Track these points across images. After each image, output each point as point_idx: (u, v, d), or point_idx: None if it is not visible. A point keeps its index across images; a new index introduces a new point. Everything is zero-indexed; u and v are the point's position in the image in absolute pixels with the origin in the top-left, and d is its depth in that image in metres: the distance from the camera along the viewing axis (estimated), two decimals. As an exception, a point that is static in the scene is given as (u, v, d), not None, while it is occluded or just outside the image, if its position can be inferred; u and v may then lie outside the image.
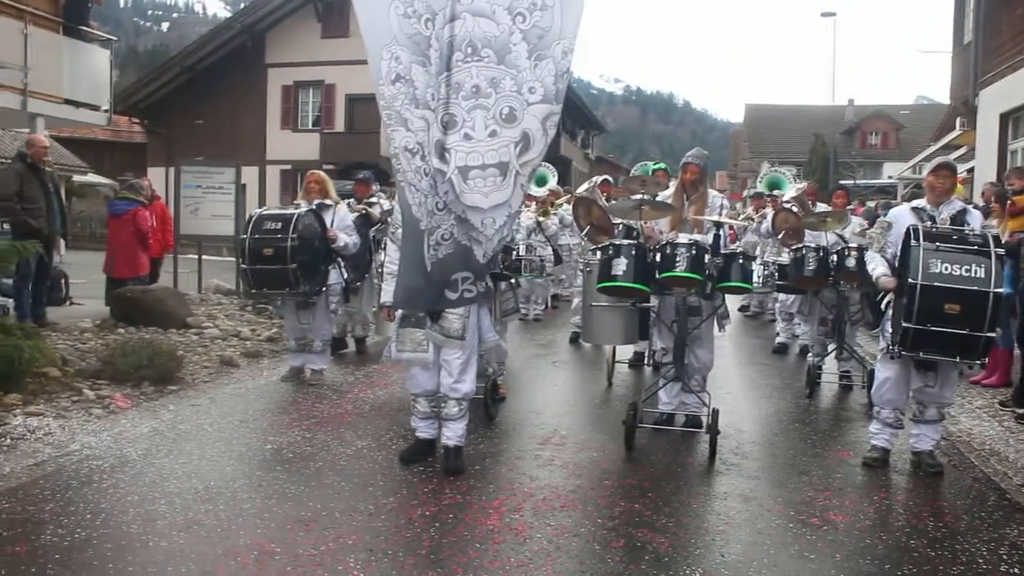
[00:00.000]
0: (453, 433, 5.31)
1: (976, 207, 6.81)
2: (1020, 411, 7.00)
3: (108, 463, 5.26)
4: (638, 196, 6.17)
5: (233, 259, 13.62)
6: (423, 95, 4.84)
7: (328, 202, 7.85)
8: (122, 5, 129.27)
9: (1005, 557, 4.21)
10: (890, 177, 34.61)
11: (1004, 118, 15.87)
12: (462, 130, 4.85)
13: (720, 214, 6.31)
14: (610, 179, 12.01)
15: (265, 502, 4.68)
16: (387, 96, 4.86)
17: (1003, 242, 5.93)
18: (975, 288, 5.00)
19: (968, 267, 5.05)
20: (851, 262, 7.35)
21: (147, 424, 6.22)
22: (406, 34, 4.81)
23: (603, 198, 9.32)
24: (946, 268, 5.06)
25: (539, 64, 4.85)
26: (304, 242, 7.38)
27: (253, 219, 7.55)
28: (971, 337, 5.04)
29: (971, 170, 17.14)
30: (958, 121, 22.15)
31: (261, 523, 4.38)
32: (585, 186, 10.70)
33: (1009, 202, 9.05)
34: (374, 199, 9.39)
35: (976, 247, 5.13)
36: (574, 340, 10.15)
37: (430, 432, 5.47)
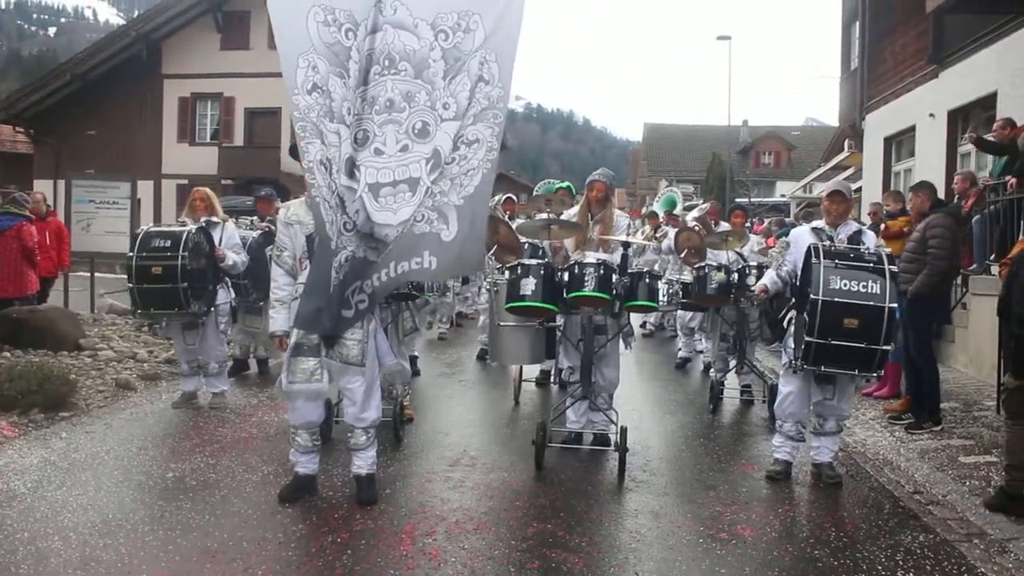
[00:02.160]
0: (364, 462, 5.16)
1: (865, 225, 7.14)
2: (904, 420, 7.34)
3: (-5, 497, 4.98)
4: (545, 215, 6.22)
5: (120, 290, 13.13)
6: (339, 108, 4.70)
7: (215, 219, 7.66)
8: (3, 7, 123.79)
9: (901, 563, 4.40)
10: (783, 195, 35.94)
11: (888, 141, 16.71)
12: (373, 145, 4.73)
13: (627, 234, 6.41)
14: (513, 197, 12.10)
15: (168, 534, 4.50)
16: (302, 107, 4.66)
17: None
18: (871, 303, 5.27)
19: (865, 283, 5.32)
20: (751, 280, 7.57)
21: (37, 454, 5.91)
22: (325, 43, 4.65)
23: (506, 216, 9.37)
24: (845, 284, 5.32)
25: (453, 80, 4.77)
26: (194, 261, 7.18)
27: (140, 237, 7.29)
28: (869, 350, 5.30)
29: (859, 190, 17.93)
30: (846, 143, 23.21)
31: (164, 556, 4.21)
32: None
33: (883, 226, 9.52)
34: (277, 216, 9.20)
35: (871, 265, 5.41)
36: (481, 357, 10.15)
37: (311, 467, 5.20)
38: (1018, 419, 5.19)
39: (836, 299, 5.28)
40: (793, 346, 5.65)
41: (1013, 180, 8.70)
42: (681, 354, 10.60)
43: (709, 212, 10.82)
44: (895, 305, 5.34)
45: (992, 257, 9.01)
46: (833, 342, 5.29)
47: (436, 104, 4.77)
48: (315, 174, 4.70)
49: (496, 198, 11.17)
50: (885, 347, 5.32)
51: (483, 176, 4.87)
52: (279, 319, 5.07)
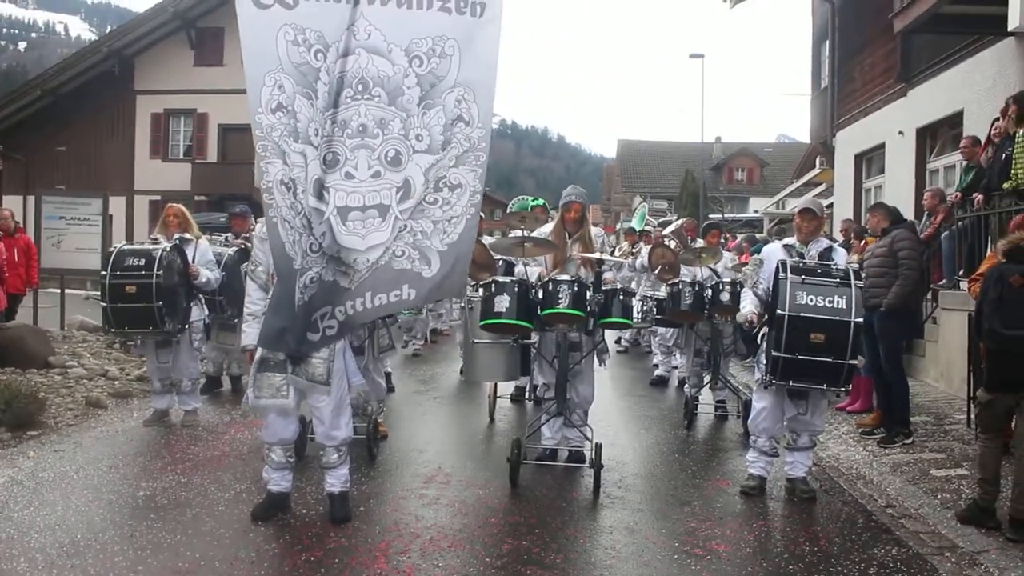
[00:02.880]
0: (337, 480, 5.12)
1: (836, 242, 7.22)
2: (877, 435, 7.41)
3: (-40, 518, 4.89)
4: (519, 232, 6.23)
5: (99, 294, 12.98)
6: (304, 129, 4.63)
7: (188, 236, 7.62)
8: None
9: (874, 578, 4.43)
10: (756, 211, 36.27)
11: (859, 158, 16.91)
12: (343, 168, 4.69)
13: (602, 251, 6.43)
14: (481, 214, 12.10)
15: (139, 553, 4.43)
16: (264, 126, 4.58)
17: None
18: (837, 318, 5.33)
19: (831, 299, 5.38)
20: (725, 296, 7.63)
21: (3, 473, 5.82)
22: (293, 63, 4.59)
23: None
24: (811, 300, 5.39)
25: (427, 112, 4.76)
26: (168, 279, 7.12)
27: (113, 255, 7.23)
28: (836, 365, 5.36)
29: (830, 206, 18.13)
30: (818, 160, 23.46)
31: (134, 577, 4.15)
32: None
33: (863, 242, 9.64)
34: (253, 233, 9.15)
35: (838, 280, 5.48)
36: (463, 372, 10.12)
37: (284, 485, 5.15)
38: (989, 433, 5.26)
39: (802, 314, 5.34)
40: (765, 362, 5.70)
41: (980, 197, 8.84)
42: (658, 372, 10.61)
43: (686, 227, 10.90)
44: (861, 320, 5.40)
45: (961, 272, 9.13)
46: (800, 357, 5.36)
47: (409, 134, 4.76)
48: (274, 194, 4.62)
49: None
50: (852, 361, 5.38)
51: (467, 223, 4.89)
52: (251, 333, 5.03)
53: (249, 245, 8.87)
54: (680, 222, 11.56)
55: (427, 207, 4.81)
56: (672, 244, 9.81)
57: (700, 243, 9.59)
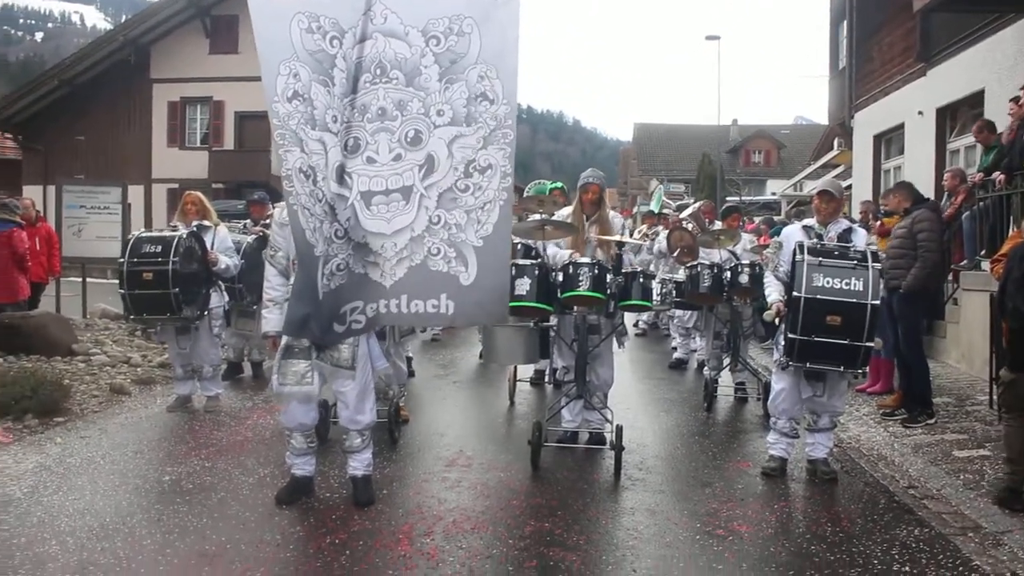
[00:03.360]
0: (360, 464, 5.16)
1: (856, 223, 7.17)
2: (898, 416, 7.39)
3: (-10, 503, 4.97)
4: (539, 216, 6.23)
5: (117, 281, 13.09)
6: (322, 116, 4.61)
7: (207, 223, 7.66)
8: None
9: (897, 557, 4.42)
10: (774, 194, 36.00)
11: (877, 139, 16.78)
12: (365, 153, 4.67)
13: (622, 233, 6.43)
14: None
15: (166, 537, 4.50)
16: (281, 114, 4.56)
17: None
18: (854, 300, 5.31)
19: (848, 280, 5.36)
20: (744, 278, 7.61)
21: (32, 459, 5.90)
22: (308, 50, 4.55)
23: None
24: (828, 282, 5.37)
25: (450, 87, 4.68)
26: (185, 265, 7.17)
27: (131, 242, 7.29)
28: (852, 347, 5.34)
29: (849, 187, 18.00)
30: (836, 141, 23.25)
31: (163, 559, 4.21)
32: None
33: (879, 222, 9.59)
34: (272, 219, 9.18)
35: (856, 262, 5.45)
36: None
37: (307, 469, 5.21)
38: (1014, 412, 5.23)
39: (819, 296, 5.33)
40: (783, 343, 5.69)
41: (1002, 176, 8.76)
42: (677, 355, 10.62)
43: (703, 210, 10.86)
44: (878, 302, 5.37)
45: (983, 253, 9.06)
46: (816, 339, 5.35)
47: (430, 111, 4.69)
48: (293, 181, 4.60)
49: None
50: (868, 343, 5.35)
51: (500, 210, 4.76)
52: (272, 319, 5.07)
53: (267, 232, 8.94)
54: (697, 205, 11.50)
55: (459, 195, 4.73)
56: (690, 227, 9.78)
57: (718, 225, 9.57)
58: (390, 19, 4.66)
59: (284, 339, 4.95)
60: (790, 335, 5.40)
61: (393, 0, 4.65)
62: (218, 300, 7.79)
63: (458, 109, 4.69)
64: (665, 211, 14.23)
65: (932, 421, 7.19)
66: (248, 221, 9.45)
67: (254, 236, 8.63)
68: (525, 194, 9.01)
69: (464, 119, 4.70)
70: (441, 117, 4.70)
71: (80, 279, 13.42)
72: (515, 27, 4.74)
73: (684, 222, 10.54)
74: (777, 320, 5.82)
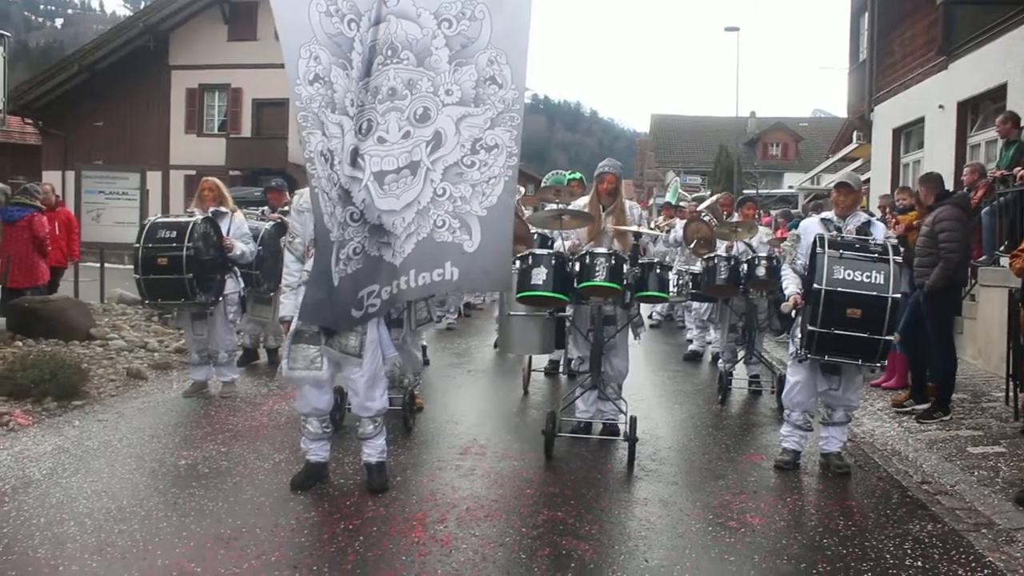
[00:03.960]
0: (373, 450, 5.20)
1: (875, 216, 7.13)
2: (920, 407, 7.35)
3: (9, 484, 5.02)
4: (555, 206, 6.23)
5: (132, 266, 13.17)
6: (341, 100, 4.63)
7: (224, 209, 7.67)
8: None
9: (909, 551, 4.42)
10: (791, 187, 35.80)
11: (897, 133, 16.66)
12: (376, 134, 4.70)
13: (639, 224, 6.42)
14: (522, 188, 12.10)
15: (182, 520, 4.55)
16: (304, 97, 4.57)
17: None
18: (874, 293, 5.28)
19: (868, 274, 5.32)
20: (761, 271, 7.58)
21: (51, 442, 5.97)
22: (327, 33, 4.57)
23: (522, 208, 9.39)
24: (848, 274, 5.33)
25: (459, 69, 4.75)
26: (200, 251, 7.20)
27: (147, 227, 7.32)
28: (871, 340, 5.31)
29: (867, 181, 17.89)
30: (855, 135, 23.08)
31: (179, 542, 4.25)
32: None
33: (894, 221, 9.53)
34: (288, 207, 9.20)
35: (876, 255, 5.42)
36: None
37: (322, 455, 5.24)
38: None
39: (839, 288, 5.29)
40: (800, 335, 5.68)
41: (1022, 172, 8.68)
42: (692, 347, 10.61)
43: (722, 203, 10.83)
44: (899, 296, 5.34)
45: (1003, 248, 8.99)
46: (836, 332, 5.31)
47: (439, 90, 4.75)
48: (315, 164, 4.62)
49: (519, 190, 11.16)
50: (888, 337, 5.32)
51: (505, 185, 4.87)
52: (288, 304, 5.13)
53: (285, 219, 8.98)
54: (715, 197, 11.49)
55: (465, 170, 4.82)
56: (708, 219, 9.76)
57: (736, 217, 9.54)
58: (403, 1, 4.68)
59: (295, 323, 4.99)
60: (809, 328, 5.37)
61: None
62: (233, 286, 7.80)
63: (467, 90, 4.77)
64: (682, 203, 14.18)
65: (947, 417, 7.16)
66: (266, 208, 9.49)
67: (272, 223, 8.66)
68: (543, 184, 9.01)
69: (472, 100, 4.79)
70: (450, 96, 4.76)
71: (98, 264, 13.53)
72: (527, 14, 4.83)
73: (702, 214, 10.53)
74: (793, 313, 5.81)
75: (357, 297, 4.81)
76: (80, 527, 4.40)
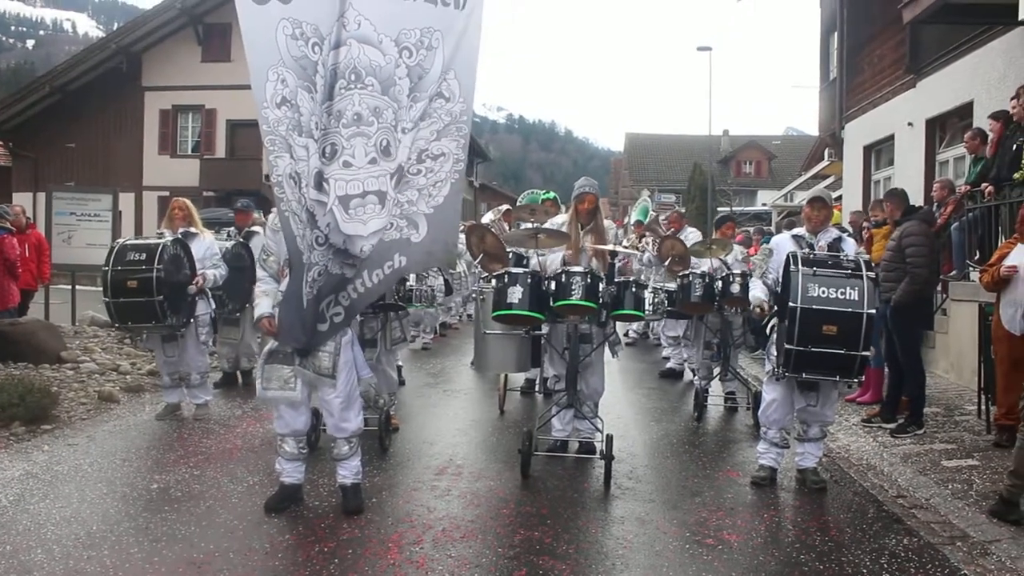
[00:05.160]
0: (348, 472, 5.15)
1: (847, 232, 7.20)
2: (888, 426, 7.40)
3: (-23, 510, 4.93)
4: (532, 224, 6.24)
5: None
6: (307, 123, 4.66)
7: (193, 230, 7.62)
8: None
9: (886, 566, 4.43)
10: (764, 204, 36.12)
11: (867, 150, 16.86)
12: (341, 158, 4.72)
13: (616, 243, 6.43)
14: (509, 206, 12.13)
15: (153, 545, 4.47)
16: (271, 120, 4.62)
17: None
18: (849, 310, 5.32)
19: (843, 290, 5.36)
20: (735, 287, 7.63)
21: (19, 467, 5.86)
22: (293, 56, 4.62)
23: (506, 227, 9.41)
24: (823, 291, 5.36)
25: (414, 105, 4.89)
26: (170, 273, 7.13)
27: (116, 250, 7.24)
28: (848, 356, 5.33)
29: (839, 198, 18.07)
30: (826, 152, 23.33)
31: (150, 568, 4.18)
32: (491, 216, 10.75)
33: (868, 235, 9.63)
34: (255, 228, 9.13)
35: (849, 271, 5.45)
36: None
37: (296, 476, 5.19)
38: None
39: (814, 306, 5.32)
40: (776, 354, 5.70)
41: (990, 188, 8.81)
42: (669, 365, 10.62)
43: (670, 220, 11.00)
44: (873, 311, 5.38)
45: (976, 258, 9.08)
46: (813, 349, 5.33)
47: (399, 125, 4.87)
48: (284, 188, 4.66)
49: (498, 209, 11.18)
50: (864, 352, 5.36)
51: (452, 186, 5.08)
52: (264, 303, 5.09)
53: (243, 241, 8.90)
54: (661, 217, 11.75)
55: (411, 178, 4.96)
56: (650, 237, 10.01)
57: (691, 232, 9.69)
58: (364, 26, 4.74)
59: (269, 344, 4.97)
60: (787, 346, 5.38)
61: (366, 7, 4.74)
62: (205, 308, 7.72)
63: (416, 117, 4.91)
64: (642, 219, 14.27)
65: (921, 431, 7.21)
66: (232, 228, 9.43)
67: (233, 243, 8.60)
68: (518, 203, 9.03)
69: (420, 116, 4.91)
70: (405, 135, 4.90)
71: (70, 286, 13.37)
72: (477, 37, 5.01)
73: (647, 233, 10.79)
74: (768, 330, 5.83)
75: (319, 310, 4.83)
76: (48, 554, 4.31)
